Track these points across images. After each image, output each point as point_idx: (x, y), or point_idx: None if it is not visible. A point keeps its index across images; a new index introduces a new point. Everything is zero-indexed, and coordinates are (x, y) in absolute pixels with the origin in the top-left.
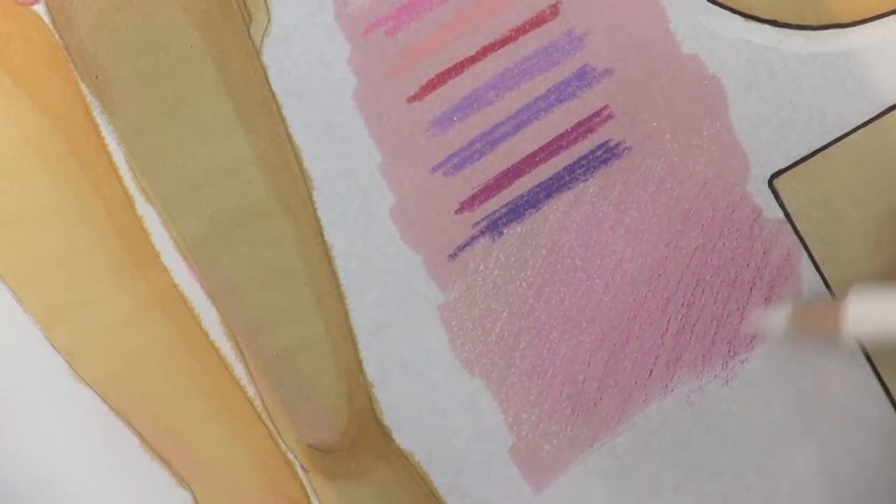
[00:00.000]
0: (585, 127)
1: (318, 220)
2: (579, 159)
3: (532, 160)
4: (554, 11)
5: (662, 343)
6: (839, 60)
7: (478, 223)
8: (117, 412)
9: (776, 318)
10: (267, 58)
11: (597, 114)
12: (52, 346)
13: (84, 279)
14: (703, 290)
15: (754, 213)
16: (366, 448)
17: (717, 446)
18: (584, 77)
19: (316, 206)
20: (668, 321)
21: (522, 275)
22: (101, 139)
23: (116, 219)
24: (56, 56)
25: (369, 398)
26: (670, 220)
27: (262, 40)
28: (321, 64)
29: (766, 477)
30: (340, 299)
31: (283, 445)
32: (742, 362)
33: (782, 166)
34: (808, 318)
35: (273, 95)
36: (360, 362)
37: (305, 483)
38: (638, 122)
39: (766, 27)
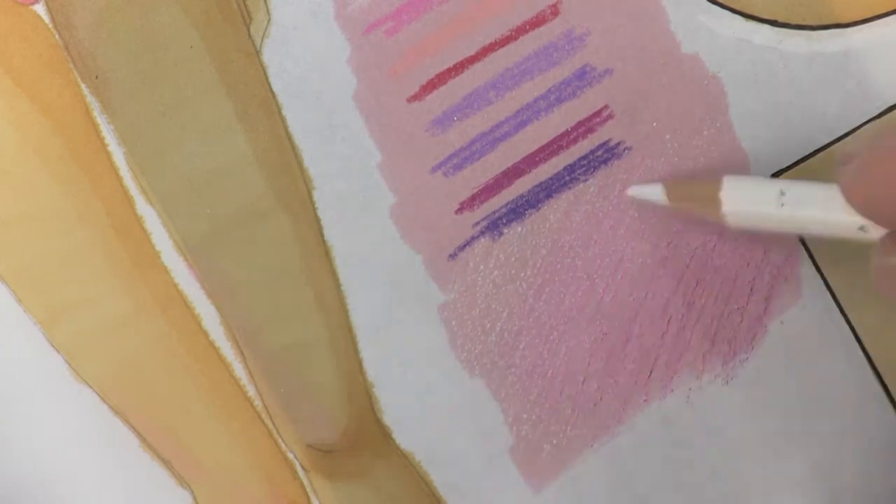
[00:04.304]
0: (585, 127)
1: (318, 220)
2: (579, 159)
3: (532, 160)
4: (554, 11)
5: (662, 343)
6: (839, 60)
7: (478, 223)
8: (117, 412)
9: (654, 191)
10: (267, 58)
11: (597, 114)
12: (52, 346)
13: (84, 279)
14: (703, 290)
15: None
16: (366, 448)
17: (717, 446)
18: (584, 77)
19: (316, 206)
20: (668, 321)
21: (522, 275)
22: (101, 139)
23: (116, 219)
24: (56, 56)
25: (369, 398)
26: (670, 220)
27: (262, 40)
28: (321, 64)
29: (766, 477)
30: (340, 299)
31: (283, 445)
32: (742, 362)
33: (782, 166)
34: (685, 195)
35: (273, 95)
36: (360, 362)
37: (305, 483)
38: (638, 122)
39: (766, 27)
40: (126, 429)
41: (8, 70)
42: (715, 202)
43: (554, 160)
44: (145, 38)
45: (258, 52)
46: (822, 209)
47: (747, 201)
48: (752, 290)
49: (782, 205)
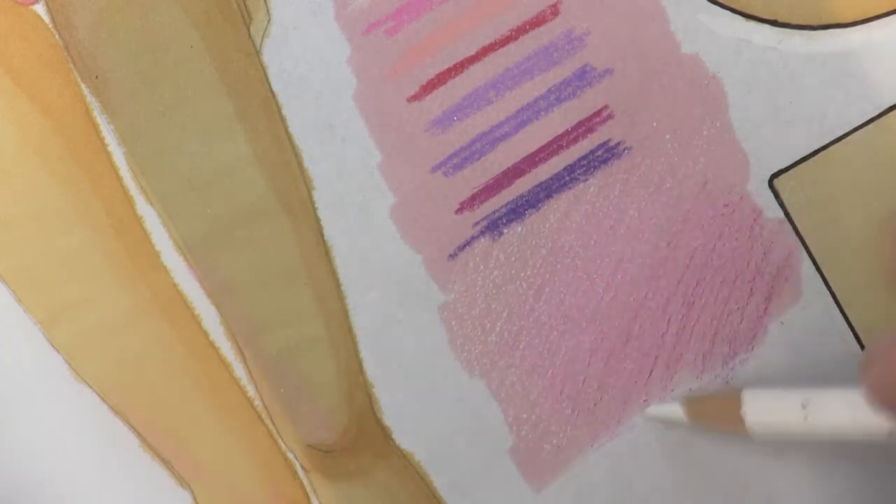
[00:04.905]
0: (585, 127)
1: (318, 220)
2: (579, 159)
3: (532, 160)
4: (554, 11)
5: (662, 343)
6: (839, 60)
7: (478, 223)
8: (117, 412)
9: (674, 410)
10: (267, 58)
11: (597, 114)
12: (52, 346)
13: (84, 279)
14: (703, 290)
15: (754, 213)
16: (366, 448)
17: (717, 446)
18: (584, 77)
19: (316, 206)
20: (668, 321)
21: (522, 275)
22: (101, 139)
23: (116, 219)
24: (56, 56)
25: (369, 398)
26: (670, 220)
27: (262, 40)
28: (321, 64)
29: (767, 477)
30: (340, 299)
31: (283, 445)
32: (742, 362)
33: (782, 166)
34: (705, 411)
35: (273, 95)
36: (360, 362)
37: (305, 483)
38: (638, 122)
39: (766, 27)
40: (126, 429)
41: (8, 70)
42: (737, 417)
43: (554, 160)
44: (145, 38)
45: (258, 52)
46: (849, 417)
47: (770, 415)
48: (752, 290)
49: (806, 417)
